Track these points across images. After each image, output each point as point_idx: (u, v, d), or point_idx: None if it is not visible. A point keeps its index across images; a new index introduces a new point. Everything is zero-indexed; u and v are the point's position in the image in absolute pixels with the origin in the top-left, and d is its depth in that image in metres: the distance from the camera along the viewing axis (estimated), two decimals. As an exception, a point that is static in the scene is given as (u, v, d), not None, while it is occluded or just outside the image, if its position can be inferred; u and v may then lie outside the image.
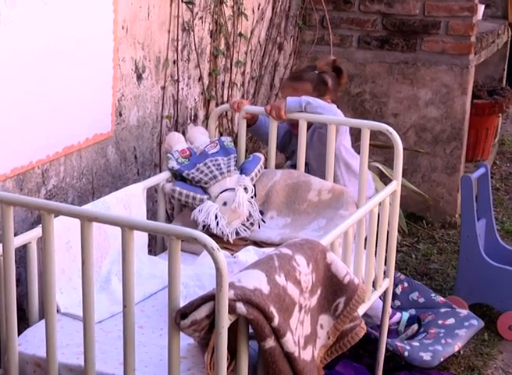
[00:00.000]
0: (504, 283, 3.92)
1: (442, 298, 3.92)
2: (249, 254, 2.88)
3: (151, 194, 3.36)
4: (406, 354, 3.40)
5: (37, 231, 2.59)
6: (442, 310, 3.78)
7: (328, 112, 3.36)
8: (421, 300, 3.88)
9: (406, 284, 3.92)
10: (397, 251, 3.39)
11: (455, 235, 4.95)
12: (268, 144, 3.46)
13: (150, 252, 3.23)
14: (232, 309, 2.14)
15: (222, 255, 2.09)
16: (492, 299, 3.99)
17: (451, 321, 3.68)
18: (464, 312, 3.76)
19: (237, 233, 3.21)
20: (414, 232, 5.00)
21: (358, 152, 3.32)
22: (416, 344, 3.52)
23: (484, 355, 3.76)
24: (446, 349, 3.47)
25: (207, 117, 4.11)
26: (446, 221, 5.12)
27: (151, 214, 3.51)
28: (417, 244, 4.89)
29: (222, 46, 4.23)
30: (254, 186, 3.30)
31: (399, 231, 3.37)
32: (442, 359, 3.44)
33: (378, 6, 4.95)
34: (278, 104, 3.40)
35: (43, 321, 2.44)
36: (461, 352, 3.73)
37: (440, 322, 3.69)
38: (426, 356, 3.41)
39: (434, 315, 3.76)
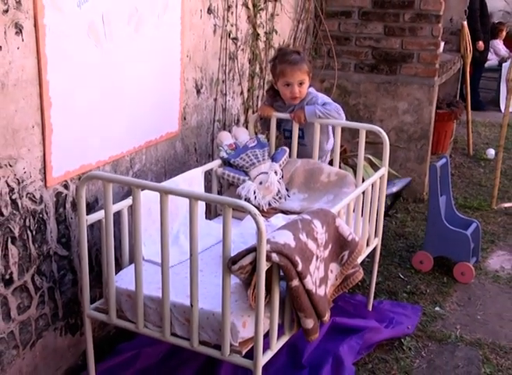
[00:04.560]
0: (458, 242, 3.87)
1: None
2: (279, 219, 2.86)
3: (206, 176, 3.34)
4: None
5: (128, 201, 2.59)
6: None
7: (335, 113, 3.30)
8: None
9: None
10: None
11: (423, 207, 4.89)
12: (292, 141, 3.42)
13: (206, 218, 3.21)
14: (268, 258, 2.13)
15: (262, 219, 2.07)
16: (450, 253, 3.94)
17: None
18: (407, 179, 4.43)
19: (269, 204, 3.19)
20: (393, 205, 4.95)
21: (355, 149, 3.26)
22: None
23: (443, 293, 3.72)
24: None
25: (246, 121, 4.08)
26: (417, 197, 5.06)
27: (206, 190, 3.49)
28: (396, 214, 4.84)
29: (257, 70, 4.19)
30: (282, 170, 3.28)
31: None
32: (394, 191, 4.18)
33: (369, 42, 4.89)
34: (299, 113, 3.34)
35: (132, 265, 2.45)
36: (428, 291, 3.70)
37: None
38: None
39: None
